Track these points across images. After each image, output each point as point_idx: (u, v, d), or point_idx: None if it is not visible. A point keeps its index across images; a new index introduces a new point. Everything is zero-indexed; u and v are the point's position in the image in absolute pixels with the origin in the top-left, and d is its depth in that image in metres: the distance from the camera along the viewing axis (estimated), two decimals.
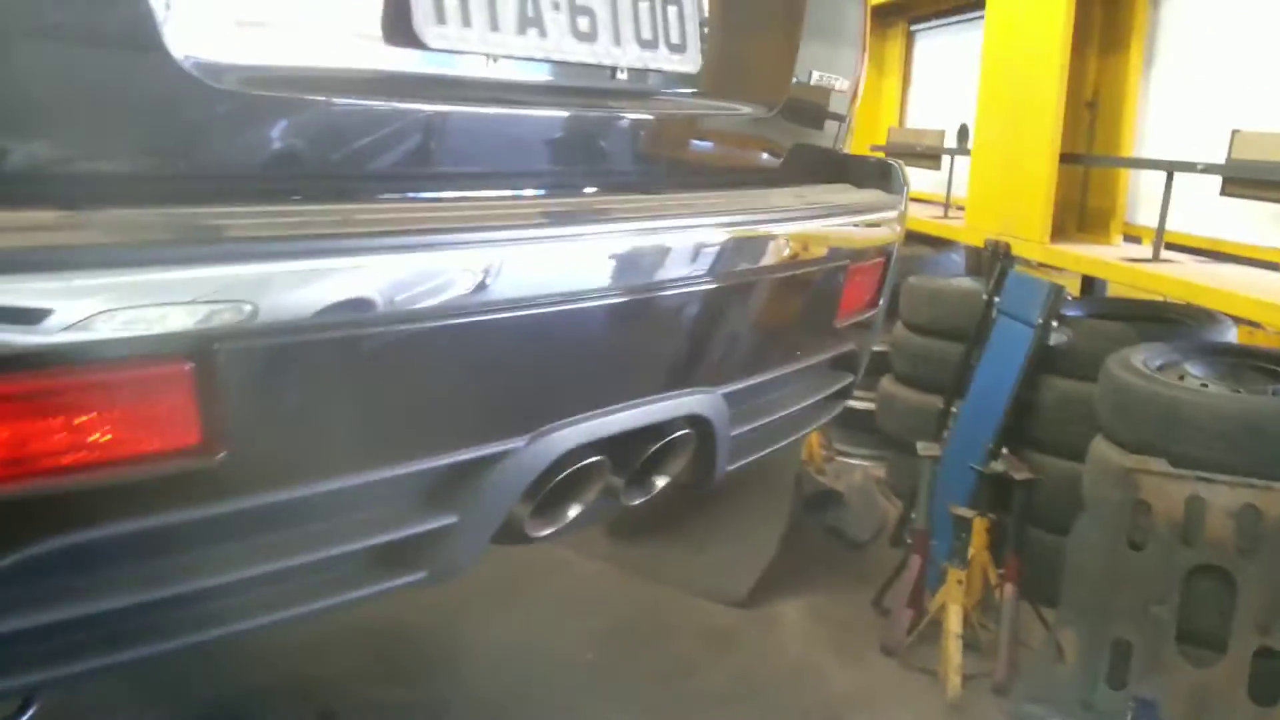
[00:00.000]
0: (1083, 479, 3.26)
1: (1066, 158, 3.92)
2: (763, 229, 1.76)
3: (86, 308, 1.06)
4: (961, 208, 4.92)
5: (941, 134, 5.25)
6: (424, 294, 1.31)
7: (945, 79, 5.67)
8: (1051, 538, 3.53)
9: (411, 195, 1.48)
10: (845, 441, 5.23)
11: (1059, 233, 4.02)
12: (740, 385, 1.84)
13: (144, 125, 1.23)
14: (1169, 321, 3.82)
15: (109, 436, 1.14)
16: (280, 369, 1.26)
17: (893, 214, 2.09)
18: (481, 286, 1.35)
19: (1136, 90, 3.97)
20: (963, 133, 5.02)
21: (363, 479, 1.35)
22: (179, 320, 1.12)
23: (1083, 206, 4.17)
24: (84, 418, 1.12)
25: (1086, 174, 4.14)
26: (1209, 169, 3.32)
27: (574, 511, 1.71)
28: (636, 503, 1.80)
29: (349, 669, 3.17)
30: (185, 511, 1.22)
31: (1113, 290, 4.31)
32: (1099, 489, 3.10)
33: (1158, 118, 3.95)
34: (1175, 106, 3.85)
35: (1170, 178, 3.44)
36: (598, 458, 1.62)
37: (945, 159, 5.23)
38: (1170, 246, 3.67)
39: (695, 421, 1.76)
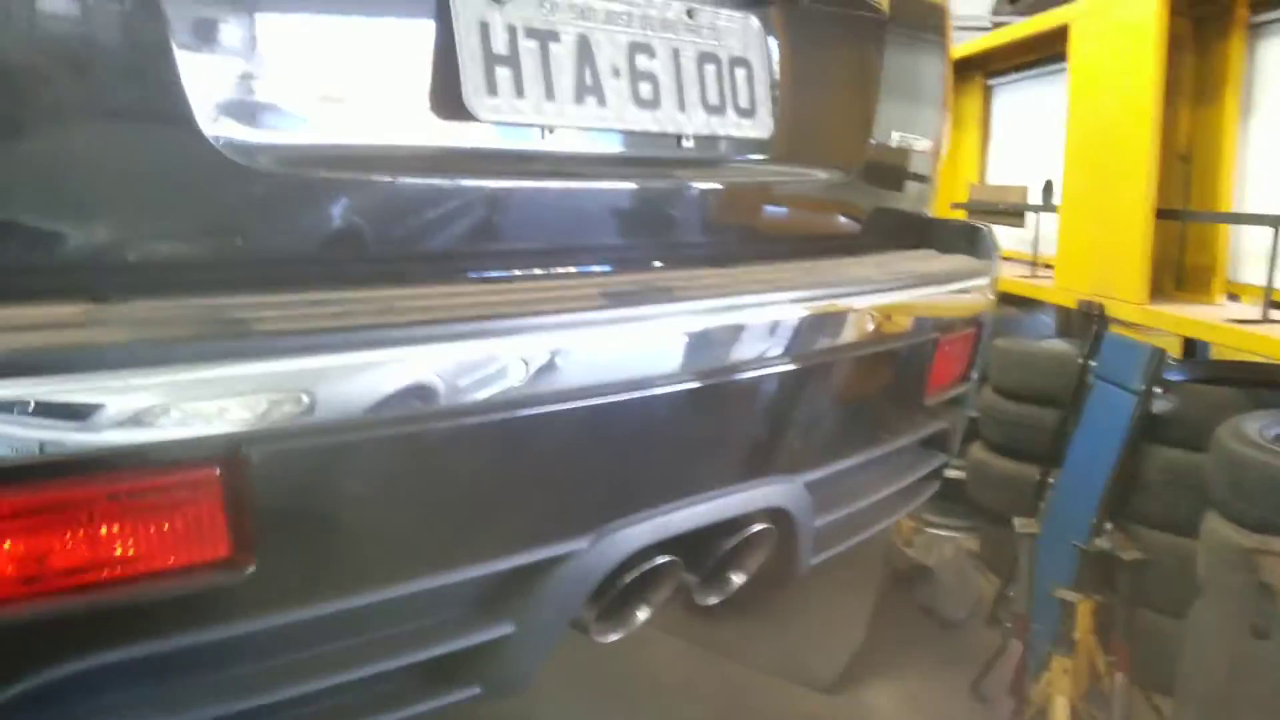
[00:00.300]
0: (1197, 560, 3.03)
1: (1163, 213, 3.71)
2: (843, 303, 1.63)
3: (104, 411, 0.98)
4: (1049, 266, 4.71)
5: (1024, 190, 5.06)
6: (474, 386, 1.21)
7: (1026, 134, 5.50)
8: (1163, 620, 3.29)
9: (461, 277, 1.38)
10: (934, 512, 5.00)
11: (1156, 292, 3.80)
12: (823, 473, 1.69)
13: (175, 209, 1.16)
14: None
15: (129, 550, 1.05)
16: (316, 473, 1.16)
17: (983, 281, 1.94)
18: (537, 376, 1.24)
19: (1234, 141, 3.75)
20: (1048, 189, 4.83)
21: (408, 590, 1.24)
22: (204, 422, 1.04)
23: (1180, 264, 3.94)
24: (101, 531, 1.03)
25: (1183, 230, 3.91)
26: None
27: (643, 614, 1.58)
28: (712, 602, 1.66)
29: None
30: (212, 630, 1.12)
31: (1216, 353, 4.06)
32: (1216, 571, 2.86)
33: (1258, 170, 3.72)
34: (1277, 157, 3.64)
35: (1278, 232, 3.22)
36: (669, 559, 1.49)
37: (1030, 216, 5.04)
38: (1278, 306, 3.43)
39: (774, 514, 1.62)
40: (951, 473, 4.74)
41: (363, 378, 1.13)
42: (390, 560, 1.24)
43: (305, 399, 1.09)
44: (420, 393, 1.16)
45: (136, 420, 1.00)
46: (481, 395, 1.21)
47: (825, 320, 1.60)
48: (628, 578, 1.45)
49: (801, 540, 1.69)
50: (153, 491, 1.06)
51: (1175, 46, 3.75)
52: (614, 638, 1.56)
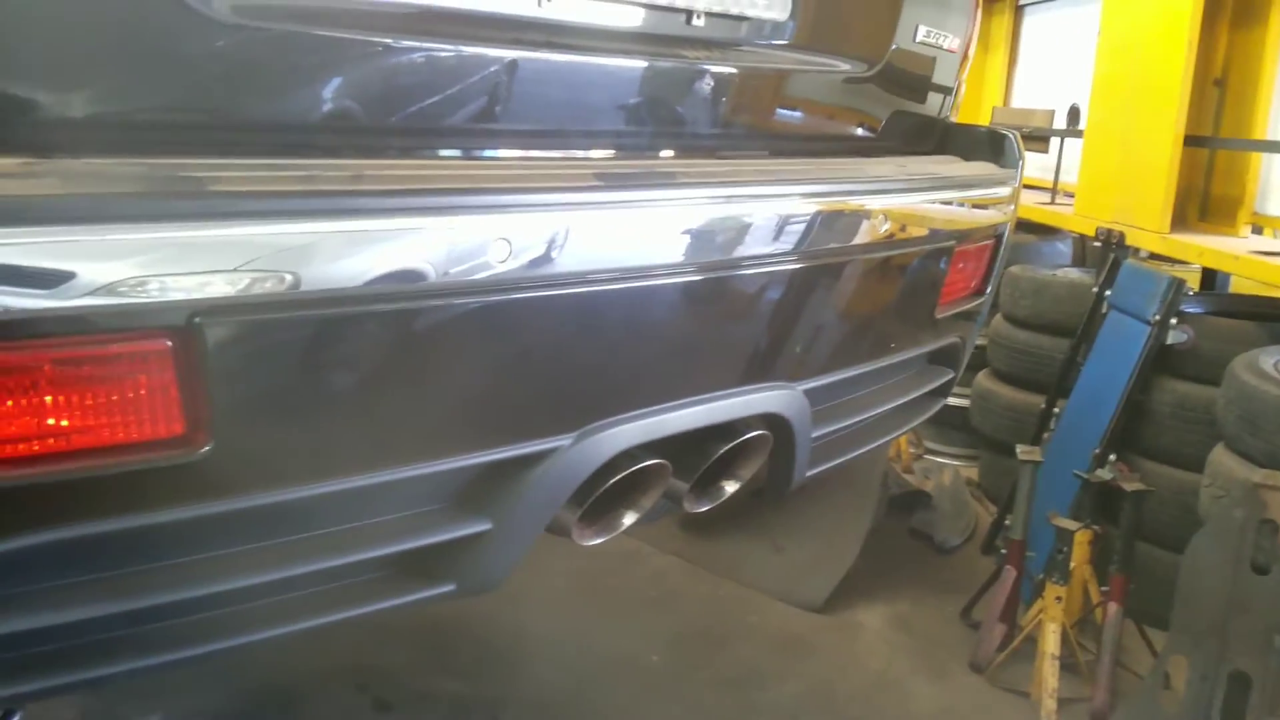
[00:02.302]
0: (1200, 492, 2.98)
1: (1191, 140, 3.59)
2: (856, 201, 1.54)
3: (43, 271, 0.90)
4: (1070, 194, 4.59)
5: (1051, 114, 4.92)
6: (450, 264, 1.13)
7: (1055, 57, 5.33)
8: (1162, 554, 3.25)
9: (440, 152, 1.29)
10: (935, 440, 4.96)
11: (1179, 222, 3.70)
12: (825, 381, 1.61)
13: (127, 61, 1.06)
14: None
15: (73, 424, 0.98)
16: (278, 350, 1.09)
17: (1005, 190, 1.84)
18: (521, 258, 1.17)
19: (1274, 67, 3.61)
20: (1074, 113, 4.69)
21: (377, 480, 1.18)
22: (154, 288, 0.96)
23: (1206, 194, 3.83)
24: (41, 402, 0.96)
25: (1212, 159, 3.80)
26: None
27: (629, 519, 1.51)
28: (703, 509, 1.60)
29: (406, 660, 3.04)
30: (168, 512, 1.06)
31: (1236, 286, 3.97)
32: (1220, 505, 2.81)
33: None
34: None
35: None
36: (657, 461, 1.42)
37: (1054, 142, 4.90)
38: None
39: (771, 421, 1.55)
40: (955, 400, 4.74)
41: (329, 249, 1.05)
42: (357, 447, 1.17)
43: (266, 268, 1.02)
44: (390, 269, 1.09)
45: (78, 283, 0.92)
46: (459, 275, 1.13)
47: (836, 218, 1.51)
48: (612, 479, 1.39)
49: (799, 450, 1.62)
50: (98, 360, 0.99)
51: None
52: (596, 541, 1.50)
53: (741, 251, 1.42)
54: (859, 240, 1.56)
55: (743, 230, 1.40)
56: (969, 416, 4.48)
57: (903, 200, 1.61)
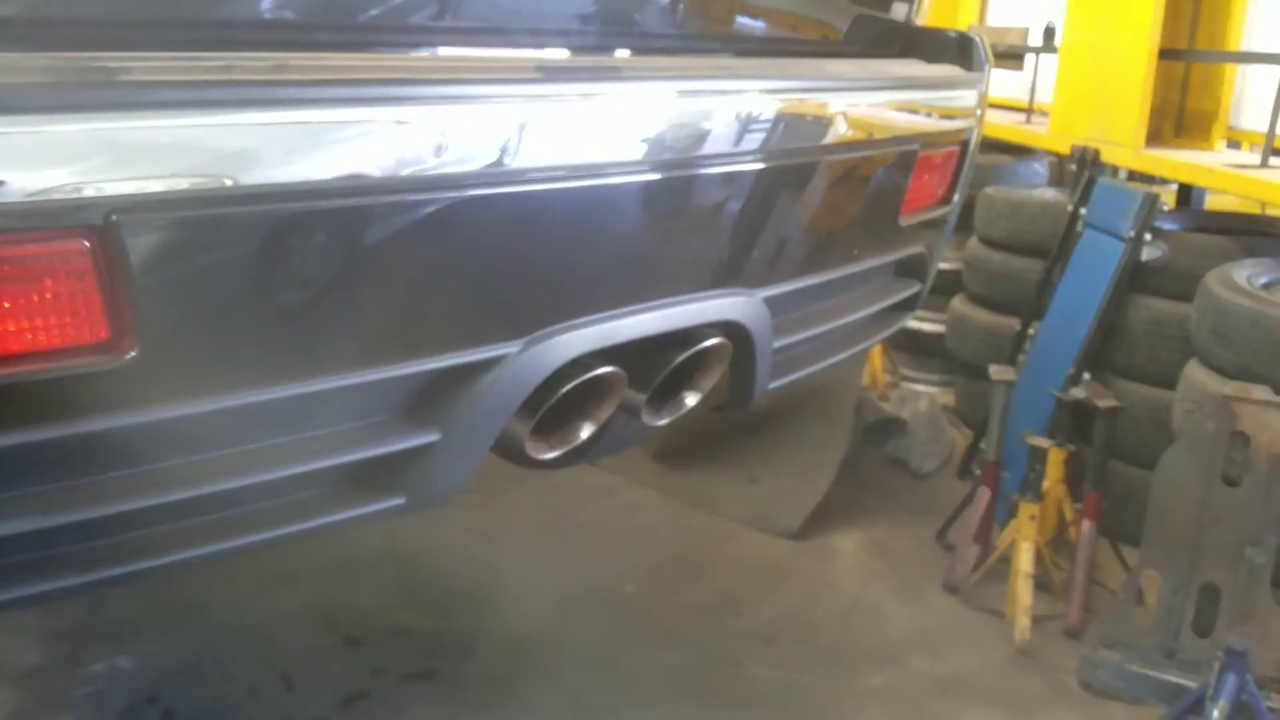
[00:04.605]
0: (1174, 408, 2.96)
1: (1166, 53, 3.52)
2: (815, 99, 1.48)
3: None
4: (1045, 114, 4.52)
5: (1025, 32, 4.83)
6: (382, 161, 1.07)
7: None
8: (1135, 472, 3.24)
9: (378, 45, 1.22)
10: (911, 366, 4.94)
11: (1154, 138, 3.64)
12: (785, 289, 1.56)
13: None
14: (1275, 236, 3.44)
15: None
16: (203, 249, 1.03)
17: (971, 94, 1.78)
18: (457, 154, 1.10)
19: None
20: (1049, 32, 4.61)
21: (312, 388, 1.13)
22: (68, 186, 0.90)
23: (1181, 109, 3.77)
24: None
25: (1187, 73, 3.73)
26: None
27: (585, 432, 1.46)
28: (663, 423, 1.55)
29: (376, 595, 3.02)
30: (93, 421, 1.01)
31: (1211, 203, 3.93)
32: (1192, 418, 2.80)
33: (1271, 8, 3.52)
34: None
35: None
36: (610, 369, 1.37)
37: (1028, 62, 4.82)
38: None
39: (730, 330, 1.49)
40: (930, 326, 4.71)
41: (251, 143, 0.99)
42: (291, 354, 1.12)
43: (187, 164, 0.96)
44: (315, 166, 1.03)
45: None
46: (393, 172, 1.08)
47: (795, 117, 1.45)
48: (564, 389, 1.34)
49: (759, 360, 1.57)
50: (13, 261, 0.94)
51: None
52: (552, 455, 1.45)
53: (696, 150, 1.36)
54: (819, 140, 1.50)
55: (697, 127, 1.34)
56: (945, 342, 4.45)
57: (861, 99, 1.55)
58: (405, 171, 1.09)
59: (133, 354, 1.00)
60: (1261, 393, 2.59)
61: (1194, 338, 2.93)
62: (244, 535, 1.21)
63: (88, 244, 0.95)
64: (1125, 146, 3.55)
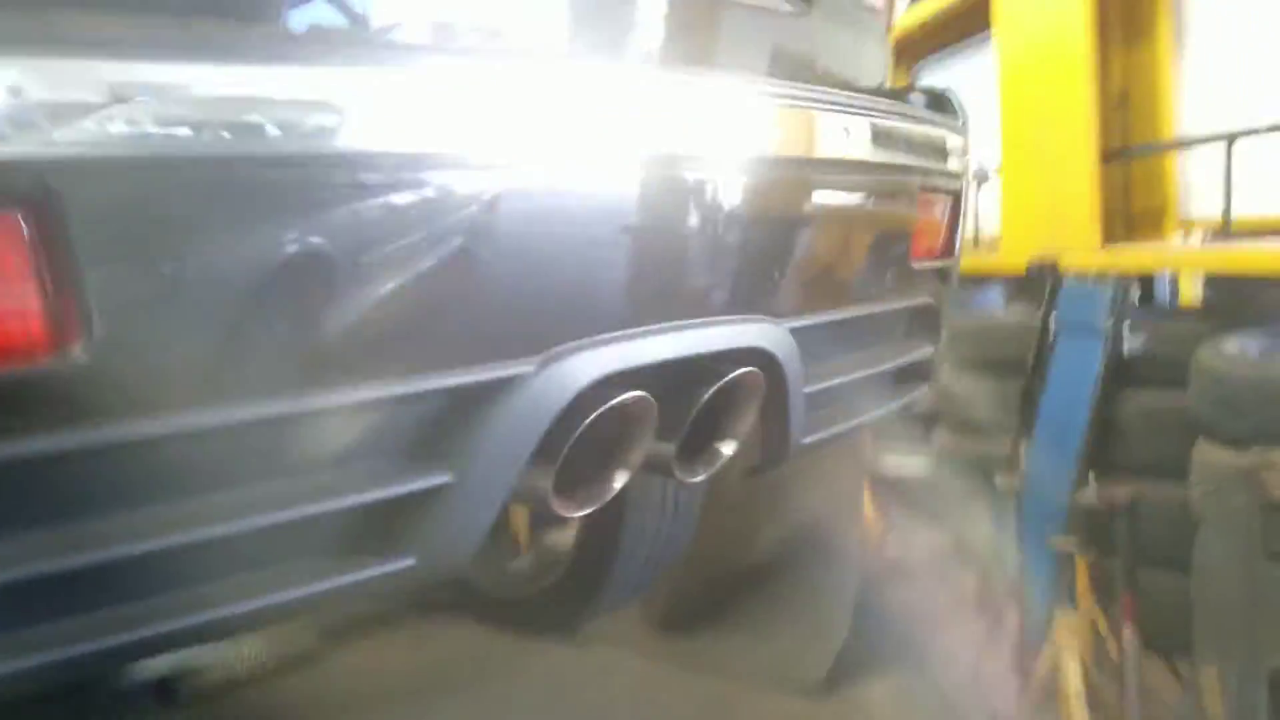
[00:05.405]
0: (1191, 493, 2.82)
1: (1109, 156, 3.59)
2: (828, 114, 1.41)
3: None
4: (989, 243, 4.59)
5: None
6: (369, 128, 0.94)
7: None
8: (1163, 576, 3.06)
9: None
10: (902, 512, 4.79)
11: (1109, 240, 3.67)
12: (811, 321, 1.43)
13: None
14: (1248, 311, 3.42)
15: None
16: (167, 223, 0.86)
17: (958, 140, 1.73)
18: (447, 126, 0.98)
19: (1169, 76, 3.66)
20: (980, 174, 4.74)
21: (301, 405, 0.96)
22: None
23: (1128, 212, 3.82)
24: None
25: (1129, 176, 3.80)
26: (1276, 127, 2.99)
27: (618, 480, 1.27)
28: (698, 479, 1.37)
29: None
30: (31, 441, 0.83)
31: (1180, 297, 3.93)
32: (1216, 497, 2.67)
33: (1197, 101, 3.63)
34: (1217, 90, 3.54)
35: (1230, 147, 3.10)
36: (638, 394, 1.20)
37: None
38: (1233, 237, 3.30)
39: (760, 359, 1.35)
40: (915, 470, 4.60)
41: (220, 94, 0.84)
42: (272, 359, 0.95)
43: (148, 112, 0.80)
44: (290, 123, 0.88)
45: None
46: (378, 142, 0.94)
47: (803, 127, 1.38)
48: (587, 419, 1.16)
49: (792, 402, 1.41)
50: None
51: None
52: (583, 511, 1.26)
53: (711, 157, 1.28)
54: (829, 154, 1.42)
55: (719, 131, 1.27)
56: (934, 481, 4.32)
57: (868, 120, 1.49)
58: (391, 148, 0.96)
59: (80, 358, 0.83)
60: None
61: (1198, 417, 2.83)
62: (216, 609, 0.99)
63: (21, 216, 0.79)
64: (1084, 249, 3.56)
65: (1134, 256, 3.39)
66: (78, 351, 0.82)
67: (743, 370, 1.30)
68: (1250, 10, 3.38)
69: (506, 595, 2.55)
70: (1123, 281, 3.25)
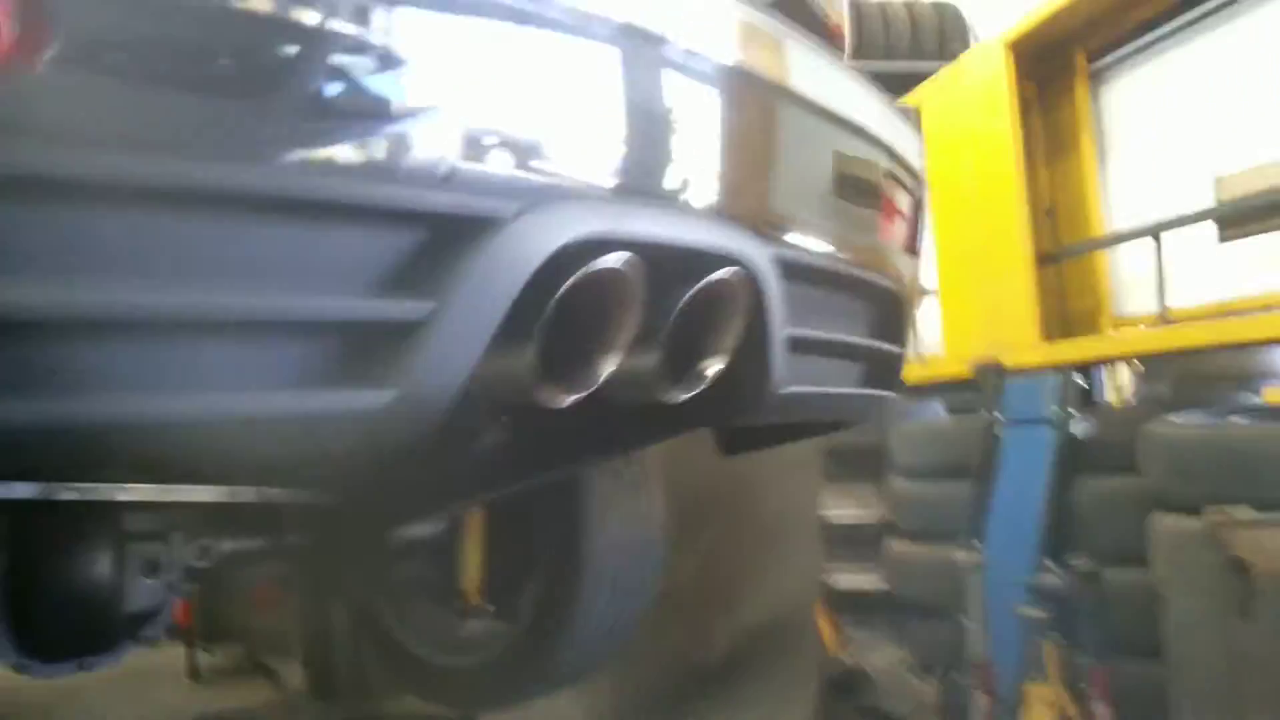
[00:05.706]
0: (1152, 567, 2.82)
1: (1043, 259, 3.74)
2: (816, 63, 1.45)
3: None
4: (923, 356, 4.70)
5: None
6: None
7: None
8: (1129, 664, 3.01)
9: None
10: (859, 627, 4.70)
11: (1047, 339, 3.78)
12: (789, 254, 1.41)
13: None
14: (1188, 392, 3.51)
15: None
16: None
17: (915, 145, 1.78)
18: None
19: (1095, 185, 3.87)
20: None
21: (268, 185, 0.92)
22: None
23: (1064, 312, 3.96)
24: None
25: (1062, 280, 3.96)
26: (1199, 216, 3.15)
27: (605, 365, 1.21)
28: (681, 398, 1.31)
29: None
30: None
31: (1115, 399, 4.02)
32: (1178, 567, 2.67)
33: (1122, 207, 3.83)
34: (1141, 195, 3.74)
35: (1158, 239, 3.25)
36: (624, 256, 1.15)
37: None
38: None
39: (742, 270, 1.31)
40: (867, 584, 4.53)
41: None
42: (244, 121, 0.90)
43: None
44: None
45: None
46: None
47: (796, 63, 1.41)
48: (569, 279, 1.11)
49: (773, 335, 1.37)
50: None
51: (1023, 110, 3.90)
52: (570, 399, 1.19)
53: (710, 56, 1.30)
54: (818, 93, 1.45)
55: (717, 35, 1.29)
56: (889, 591, 4.26)
57: (845, 81, 1.54)
58: None
59: (37, 67, 0.77)
60: (1245, 513, 2.50)
61: (1150, 484, 2.86)
62: (184, 405, 0.92)
63: None
64: (1026, 346, 3.65)
65: (1076, 347, 3.49)
66: (42, 53, 0.77)
67: (727, 270, 1.27)
68: (1166, 116, 3.61)
69: (454, 664, 2.40)
70: (1066, 372, 3.33)
